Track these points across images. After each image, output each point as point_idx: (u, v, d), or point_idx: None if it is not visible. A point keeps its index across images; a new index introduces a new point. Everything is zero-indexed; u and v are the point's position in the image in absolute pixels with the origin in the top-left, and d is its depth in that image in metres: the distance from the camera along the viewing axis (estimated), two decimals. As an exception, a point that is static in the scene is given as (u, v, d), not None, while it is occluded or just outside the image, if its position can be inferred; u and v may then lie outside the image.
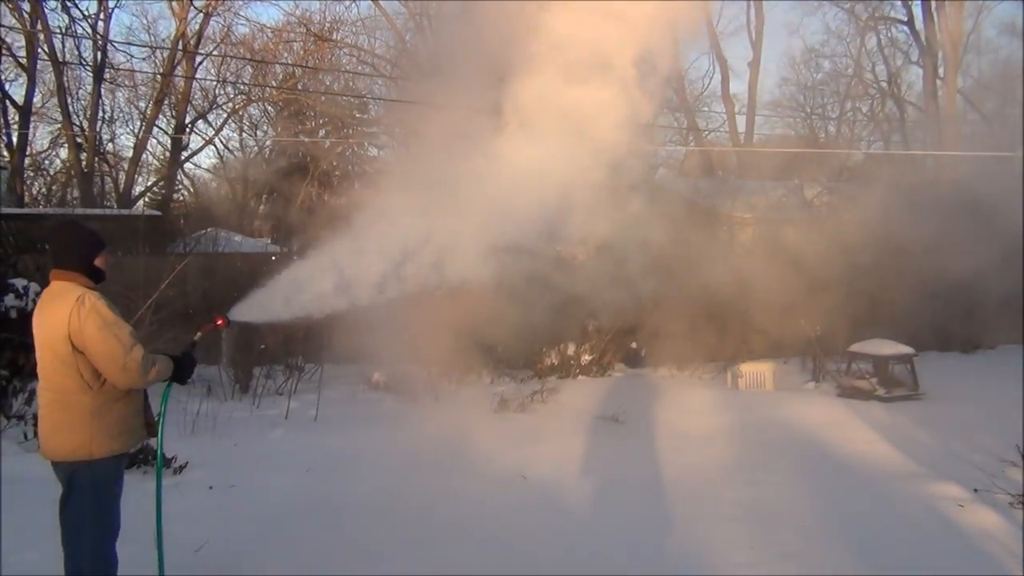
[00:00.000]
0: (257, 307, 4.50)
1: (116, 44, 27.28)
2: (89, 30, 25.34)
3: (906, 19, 27.93)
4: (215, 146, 35.39)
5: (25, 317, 7.81)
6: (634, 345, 12.92)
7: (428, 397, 9.91)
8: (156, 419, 4.12)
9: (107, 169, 31.38)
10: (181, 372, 4.07)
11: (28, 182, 29.31)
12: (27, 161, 29.51)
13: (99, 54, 26.82)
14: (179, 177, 34.20)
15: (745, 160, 24.19)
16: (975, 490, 6.15)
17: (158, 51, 28.93)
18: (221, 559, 5.11)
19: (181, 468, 6.66)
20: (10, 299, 7.93)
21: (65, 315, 3.67)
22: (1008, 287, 15.93)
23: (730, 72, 28.22)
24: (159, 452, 4.15)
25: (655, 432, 8.45)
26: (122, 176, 29.58)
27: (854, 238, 15.33)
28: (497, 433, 8.25)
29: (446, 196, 7.58)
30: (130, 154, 29.87)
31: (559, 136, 7.04)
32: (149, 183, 33.17)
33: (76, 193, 27.77)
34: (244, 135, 35.14)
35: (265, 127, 33.81)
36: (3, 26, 24.80)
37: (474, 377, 11.74)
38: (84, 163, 28.36)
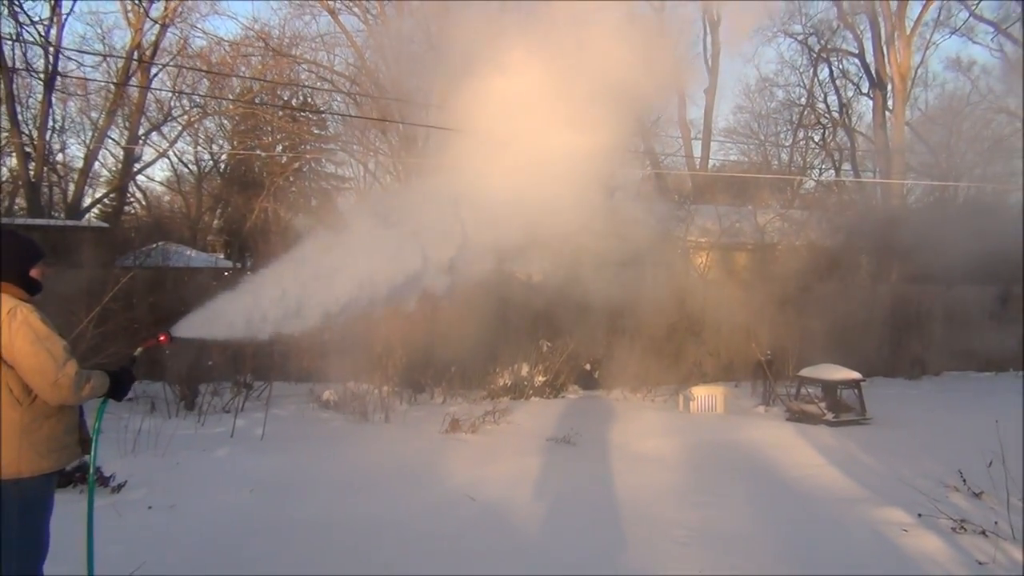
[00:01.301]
0: (202, 324, 4.38)
1: (67, 52, 26.70)
2: (40, 36, 24.79)
3: (857, 52, 28.66)
4: (169, 159, 34.88)
5: None
6: (588, 367, 12.94)
7: (378, 417, 9.77)
8: (91, 436, 3.98)
9: (56, 179, 30.77)
10: (118, 388, 3.93)
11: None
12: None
13: (50, 61, 26.37)
14: (132, 190, 33.70)
15: (700, 185, 24.49)
16: (919, 515, 6.21)
17: (111, 61, 28.50)
18: (156, 584, 4.95)
19: (120, 487, 6.46)
20: None
21: None
22: (954, 314, 16.36)
23: (687, 99, 28.67)
24: (91, 470, 4.01)
25: (607, 454, 8.43)
26: (72, 187, 29.01)
27: (804, 264, 15.60)
28: (447, 454, 8.16)
29: (404, 213, 7.55)
30: (81, 165, 29.34)
31: (521, 153, 7.07)
32: (99, 195, 32.53)
33: (22, 203, 27.17)
34: (199, 148, 34.65)
35: (220, 141, 33.38)
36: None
37: (426, 397, 11.65)
38: (32, 173, 27.78)
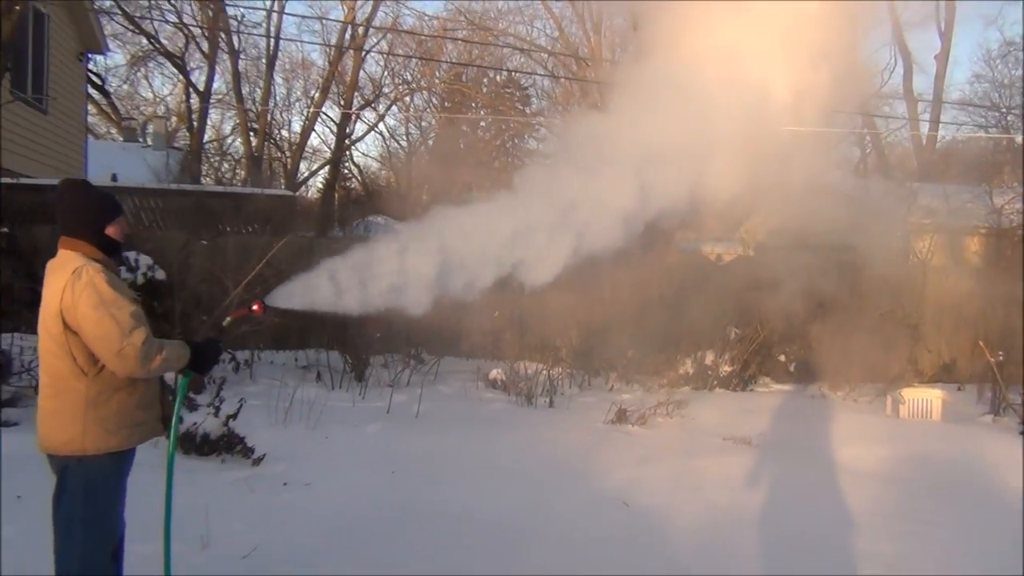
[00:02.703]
0: (299, 293, 3.94)
1: (287, 39, 28.38)
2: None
3: None
4: (382, 135, 36.30)
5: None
6: (782, 358, 11.69)
7: (543, 401, 9.18)
8: (171, 413, 3.63)
9: (279, 154, 32.77)
10: (202, 361, 3.56)
11: (214, 163, 31.05)
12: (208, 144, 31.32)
13: (270, 44, 28.02)
14: (348, 165, 35.28)
15: (927, 162, 21.97)
16: None
17: (327, 40, 29.83)
18: (267, 567, 4.62)
19: (259, 460, 6.27)
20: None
21: (59, 289, 3.22)
22: None
23: (914, 66, 25.84)
24: (170, 449, 3.64)
25: (792, 461, 7.37)
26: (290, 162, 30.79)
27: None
28: (607, 448, 7.45)
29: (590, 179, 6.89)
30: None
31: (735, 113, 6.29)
32: (314, 168, 34.32)
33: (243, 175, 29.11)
34: (408, 124, 35.56)
35: (429, 118, 34.15)
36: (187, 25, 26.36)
37: (601, 382, 10.94)
38: (255, 147, 29.66)
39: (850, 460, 7.53)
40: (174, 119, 32.39)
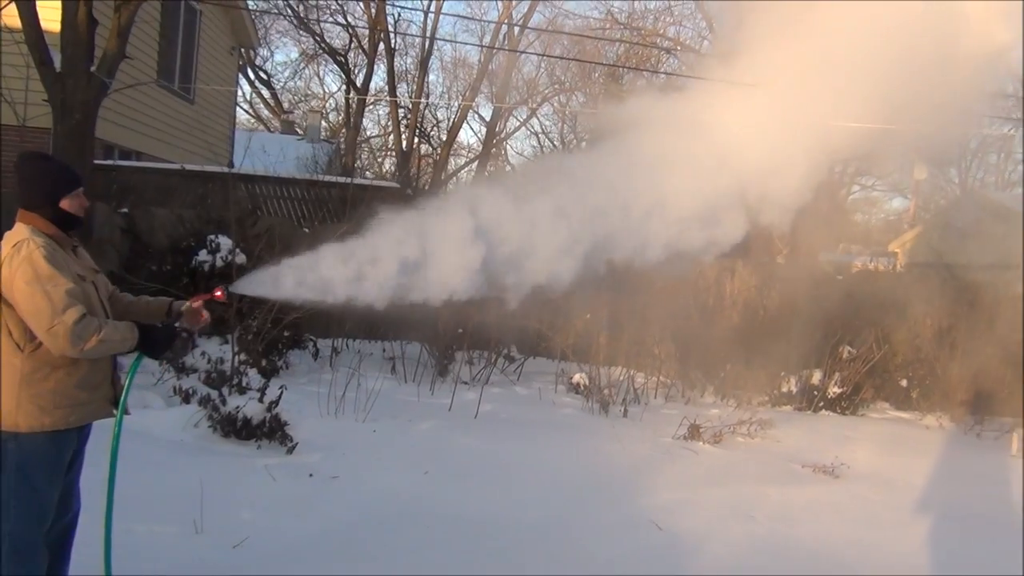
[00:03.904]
0: (262, 283, 3.82)
1: (442, 39, 29.03)
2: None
3: None
4: (537, 137, 36.68)
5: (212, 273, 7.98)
6: (904, 382, 10.67)
7: (619, 410, 8.75)
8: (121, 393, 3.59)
9: (431, 149, 33.55)
10: (151, 344, 3.49)
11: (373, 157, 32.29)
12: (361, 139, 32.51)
13: (427, 45, 28.73)
14: (501, 162, 35.77)
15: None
16: None
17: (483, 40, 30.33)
18: (252, 558, 4.55)
19: (292, 448, 6.25)
20: (202, 254, 8.11)
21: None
22: None
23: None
24: (116, 431, 3.59)
25: (873, 496, 6.64)
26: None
27: None
28: (665, 465, 6.97)
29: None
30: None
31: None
32: (462, 163, 34.96)
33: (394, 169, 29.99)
34: (564, 125, 35.55)
35: (584, 119, 34.07)
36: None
37: (697, 395, 10.37)
38: (404, 142, 30.49)
39: (942, 499, 6.70)
40: (332, 114, 33.86)
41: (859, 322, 10.39)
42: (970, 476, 7.59)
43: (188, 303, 3.70)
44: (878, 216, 39.40)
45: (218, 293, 3.77)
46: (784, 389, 10.15)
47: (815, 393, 10.06)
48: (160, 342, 3.55)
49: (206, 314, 3.69)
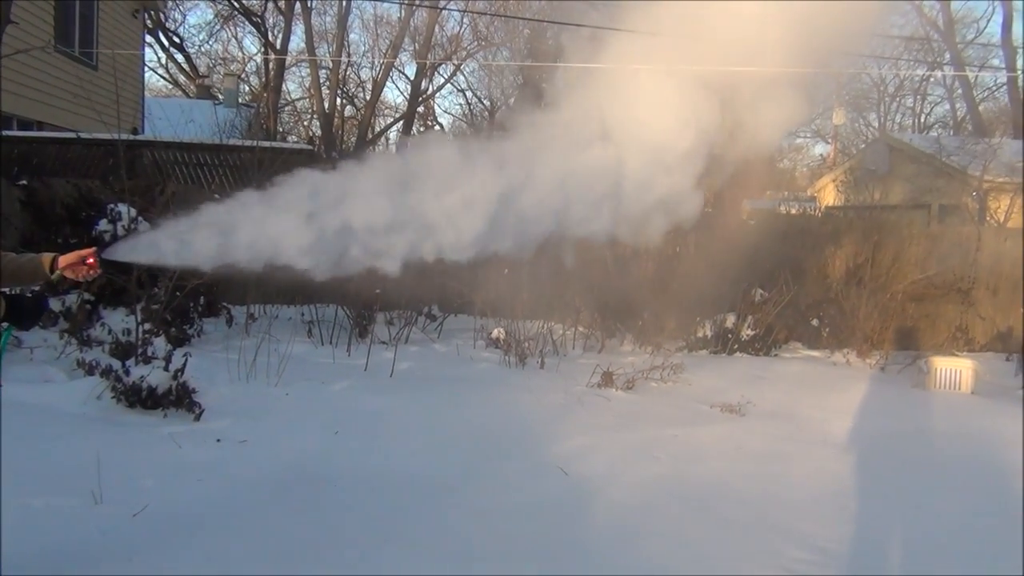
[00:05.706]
0: (139, 248, 3.74)
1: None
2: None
3: None
4: (465, 96, 36.43)
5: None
6: (815, 322, 11.02)
7: (536, 362, 8.86)
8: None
9: (352, 111, 33.03)
10: (19, 315, 3.41)
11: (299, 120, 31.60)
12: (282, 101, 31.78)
13: (345, 3, 28.15)
14: (428, 121, 35.34)
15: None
16: None
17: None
18: (150, 526, 4.51)
19: (199, 415, 6.20)
20: (103, 224, 7.91)
21: None
22: None
23: (1014, 12, 23.85)
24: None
25: (773, 433, 6.88)
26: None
27: None
28: (576, 413, 7.11)
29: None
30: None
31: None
32: (389, 123, 34.55)
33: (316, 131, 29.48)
34: (490, 82, 35.27)
35: (511, 76, 33.87)
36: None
37: (616, 343, 10.54)
38: (327, 104, 29.92)
39: (842, 432, 6.99)
40: (253, 78, 33.03)
41: (771, 265, 10.65)
42: (872, 408, 7.89)
43: (58, 272, 3.60)
44: (802, 163, 40.18)
45: (90, 260, 3.67)
46: (700, 334, 10.40)
47: (729, 336, 10.32)
48: (28, 313, 3.48)
49: (92, 262, 3.57)
